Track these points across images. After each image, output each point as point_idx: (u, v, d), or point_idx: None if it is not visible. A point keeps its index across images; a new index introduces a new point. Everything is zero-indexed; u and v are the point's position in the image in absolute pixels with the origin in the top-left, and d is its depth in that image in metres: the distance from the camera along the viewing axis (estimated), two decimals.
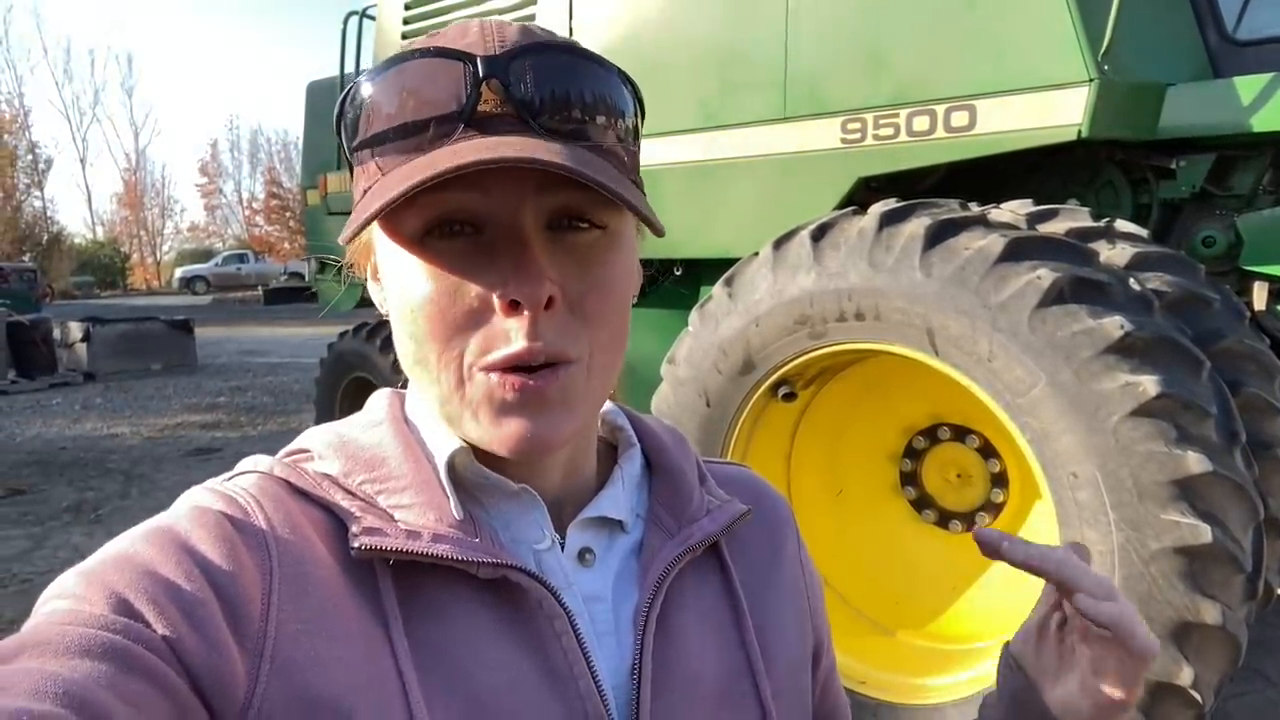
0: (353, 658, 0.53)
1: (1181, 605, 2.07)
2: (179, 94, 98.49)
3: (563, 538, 0.63)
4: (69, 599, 0.49)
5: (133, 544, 0.52)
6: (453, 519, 0.58)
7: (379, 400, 0.67)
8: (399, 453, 0.61)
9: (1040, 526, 2.59)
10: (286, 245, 42.66)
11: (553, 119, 0.55)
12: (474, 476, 0.61)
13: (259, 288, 29.93)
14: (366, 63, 5.47)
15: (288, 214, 42.88)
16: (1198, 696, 2.11)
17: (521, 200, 0.55)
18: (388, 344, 5.39)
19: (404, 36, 4.86)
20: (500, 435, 0.56)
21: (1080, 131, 2.70)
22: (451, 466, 0.60)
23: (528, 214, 0.55)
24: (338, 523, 0.58)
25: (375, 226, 0.59)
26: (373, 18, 5.33)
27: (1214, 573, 2.07)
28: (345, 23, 5.66)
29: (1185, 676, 2.09)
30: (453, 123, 0.54)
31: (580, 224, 0.57)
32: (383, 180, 0.55)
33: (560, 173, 0.52)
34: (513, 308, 0.54)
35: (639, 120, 0.61)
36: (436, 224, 0.55)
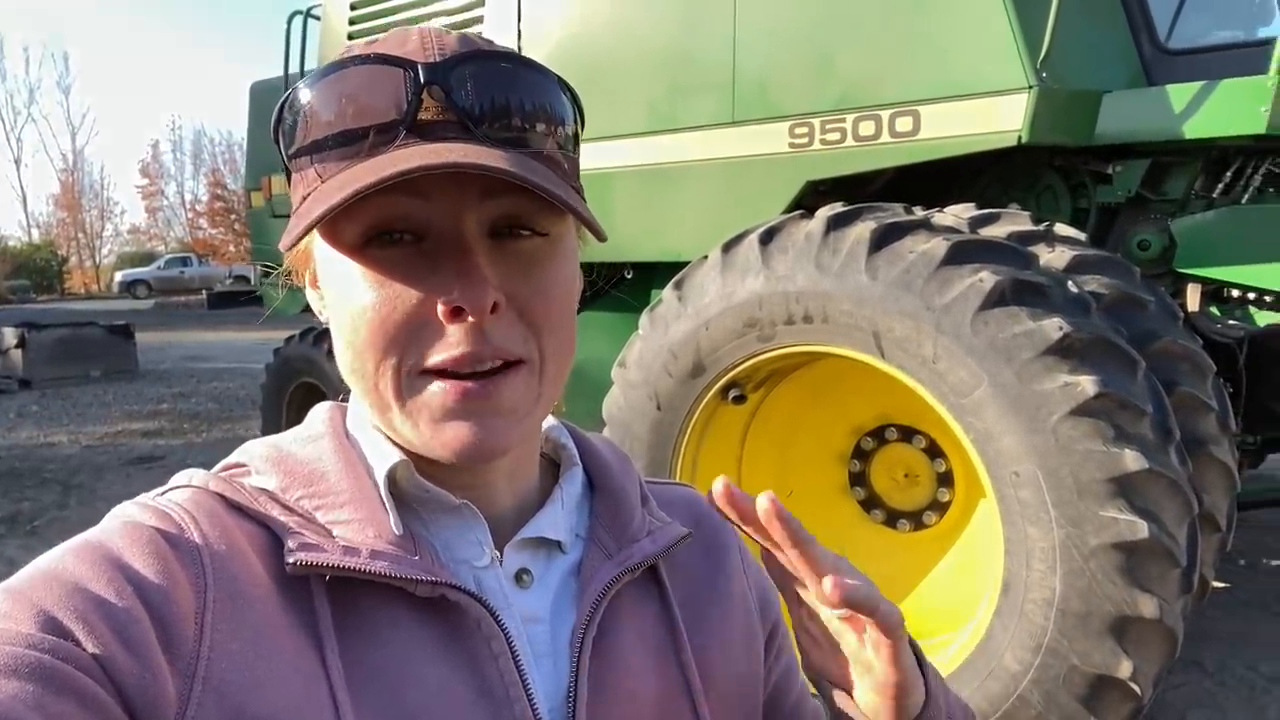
0: (286, 678, 0.52)
1: (1120, 600, 2.13)
2: (118, 93, 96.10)
3: (502, 555, 0.62)
4: None
5: (61, 560, 0.51)
6: (392, 535, 0.57)
7: (319, 413, 0.66)
8: (338, 467, 0.60)
9: (985, 525, 2.64)
10: (231, 248, 41.77)
11: (493, 126, 0.55)
12: (415, 490, 0.60)
13: (203, 292, 29.30)
14: (311, 63, 5.39)
15: (232, 216, 42.00)
16: (1137, 688, 2.16)
17: (464, 207, 0.54)
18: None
19: (350, 37, 4.80)
20: (442, 441, 0.56)
21: (1020, 137, 2.76)
22: (392, 480, 0.59)
23: (470, 221, 0.55)
24: (274, 539, 0.57)
25: (315, 234, 0.58)
26: (318, 18, 5.25)
27: (1151, 567, 2.12)
28: (290, 23, 5.58)
29: (1125, 669, 2.14)
30: (394, 130, 0.54)
31: (523, 231, 0.57)
32: (322, 187, 0.55)
33: (504, 178, 0.52)
34: (455, 314, 0.54)
35: (579, 127, 0.61)
36: (377, 232, 0.55)
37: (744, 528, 0.61)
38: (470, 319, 0.53)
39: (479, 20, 4.14)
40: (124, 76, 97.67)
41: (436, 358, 0.55)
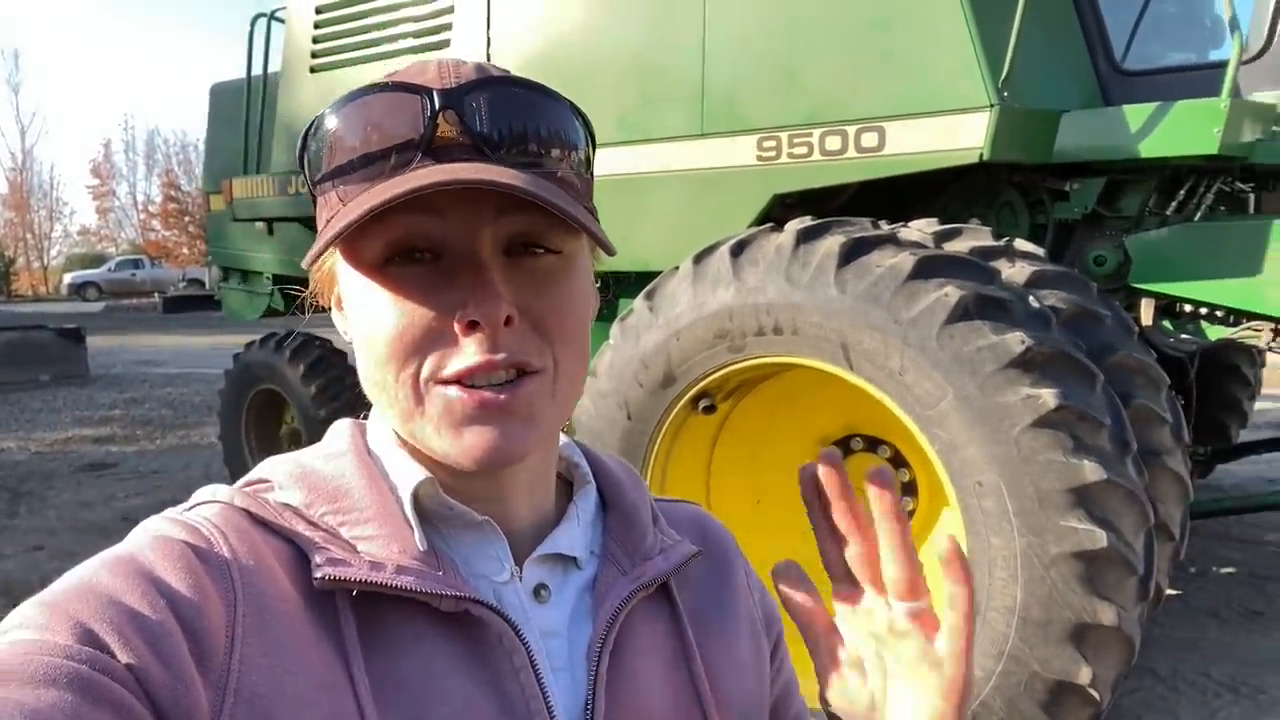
0: (314, 691, 0.53)
1: (1080, 607, 2.18)
2: (70, 92, 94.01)
3: (522, 571, 0.63)
4: (32, 629, 0.48)
5: (95, 574, 0.52)
6: (416, 551, 0.58)
7: (340, 430, 0.67)
8: (362, 484, 0.61)
9: (945, 534, 2.68)
10: (185, 251, 41.02)
11: (508, 150, 0.57)
12: (438, 507, 0.61)
13: (155, 295, 28.73)
14: (275, 65, 5.34)
15: (186, 218, 41.25)
16: (1096, 694, 2.22)
17: (478, 225, 0.56)
18: (297, 354, 5.24)
19: (315, 40, 4.77)
20: (462, 447, 0.57)
21: (982, 154, 2.82)
22: (416, 497, 0.60)
23: (485, 239, 0.57)
24: (299, 554, 0.58)
25: (338, 255, 0.60)
26: (281, 20, 5.21)
27: (1109, 575, 2.18)
28: (253, 25, 5.52)
29: (1084, 675, 2.20)
30: (410, 152, 0.56)
31: (536, 249, 0.58)
32: (343, 209, 0.57)
33: (515, 195, 0.54)
34: (471, 327, 0.55)
35: (590, 150, 0.63)
36: (396, 250, 0.57)
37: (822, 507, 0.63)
38: (485, 332, 0.55)
39: (448, 28, 4.14)
40: (76, 75, 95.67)
41: (453, 367, 0.56)
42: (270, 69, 5.46)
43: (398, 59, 4.33)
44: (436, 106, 0.56)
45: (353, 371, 5.42)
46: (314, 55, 4.78)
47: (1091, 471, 2.16)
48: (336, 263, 0.62)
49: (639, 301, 2.87)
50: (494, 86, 0.58)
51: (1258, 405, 5.43)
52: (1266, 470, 6.00)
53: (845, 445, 2.95)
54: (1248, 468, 5.94)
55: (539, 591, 0.64)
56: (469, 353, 0.56)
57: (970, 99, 2.86)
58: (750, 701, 0.71)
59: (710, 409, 2.82)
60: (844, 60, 3.10)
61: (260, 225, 5.60)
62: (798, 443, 3.04)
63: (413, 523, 0.60)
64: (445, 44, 4.13)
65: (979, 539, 2.31)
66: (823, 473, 0.63)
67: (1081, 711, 2.25)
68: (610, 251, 0.60)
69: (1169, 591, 2.74)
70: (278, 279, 5.87)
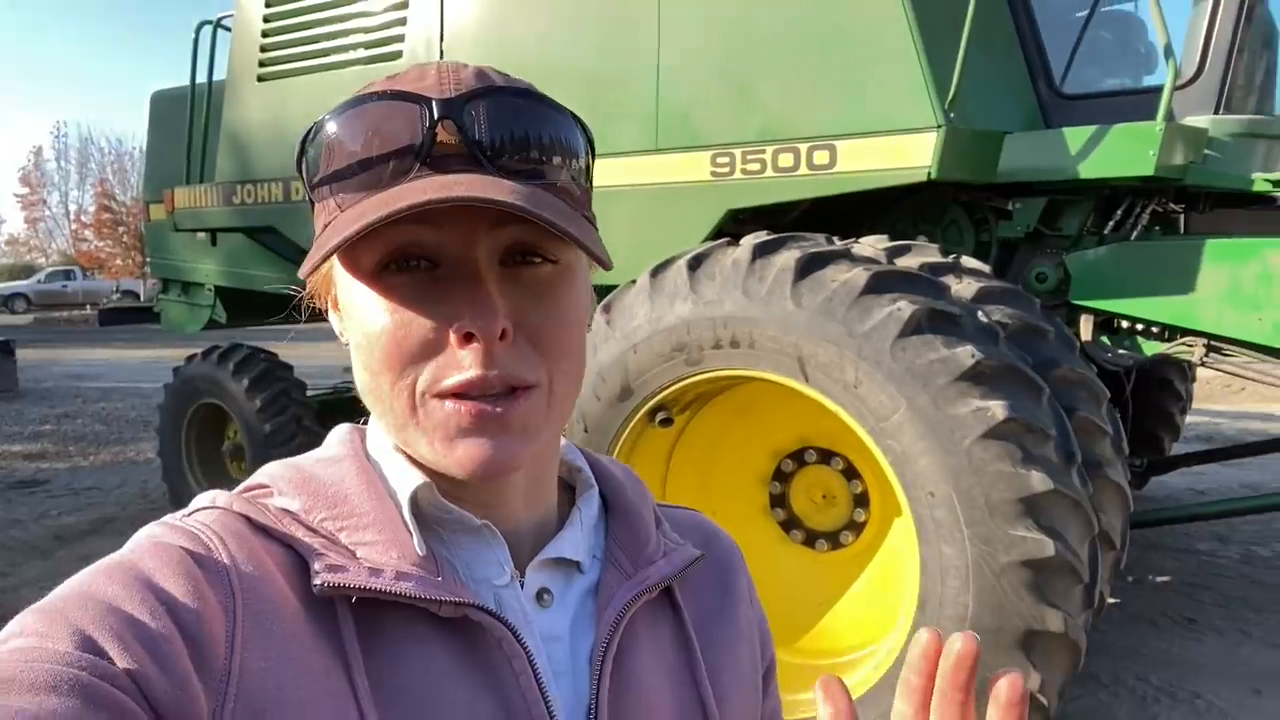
0: (315, 696, 0.53)
1: (1029, 615, 2.23)
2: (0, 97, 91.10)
3: (522, 576, 0.63)
4: (31, 636, 0.48)
5: (94, 581, 0.52)
6: (415, 556, 0.58)
7: (339, 435, 0.67)
8: (361, 489, 0.61)
9: (899, 544, 2.73)
10: (119, 262, 39.85)
11: (506, 159, 0.57)
12: (437, 511, 0.61)
13: (88, 307, 27.87)
14: (220, 73, 5.25)
15: (121, 229, 40.10)
16: (1045, 700, 2.27)
17: (474, 236, 0.56)
18: (241, 368, 5.14)
19: (263, 49, 4.70)
20: (455, 459, 0.57)
21: (930, 173, 2.89)
22: (414, 502, 0.60)
23: (481, 249, 0.57)
24: (298, 559, 0.58)
25: (335, 259, 0.60)
26: (227, 28, 5.12)
27: (1057, 584, 2.24)
28: (198, 32, 5.41)
29: (1033, 681, 2.25)
30: (409, 161, 0.56)
31: (533, 259, 0.58)
32: (341, 216, 0.57)
33: (510, 210, 0.54)
34: (466, 340, 0.55)
35: (590, 159, 0.63)
36: (392, 258, 0.57)
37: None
38: (481, 345, 0.55)
39: (400, 39, 4.11)
40: (7, 79, 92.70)
41: (449, 381, 0.56)
42: (216, 76, 5.37)
43: (349, 69, 4.29)
44: (435, 116, 0.56)
45: (299, 385, 5.33)
46: (261, 64, 4.71)
47: (1039, 482, 2.22)
48: (334, 266, 0.61)
49: (596, 314, 2.87)
50: (493, 95, 0.58)
51: (1187, 419, 5.63)
52: (1196, 482, 6.21)
53: (799, 457, 2.99)
54: (1179, 479, 6.15)
55: (541, 596, 0.64)
56: (465, 366, 0.56)
57: (918, 119, 2.93)
58: (746, 708, 0.72)
59: (667, 422, 2.84)
60: (797, 80, 3.16)
61: (203, 235, 5.48)
62: (752, 456, 3.06)
63: (411, 528, 0.59)
64: (397, 55, 4.11)
65: (931, 549, 2.36)
66: (959, 654, 0.53)
67: (1031, 717, 2.30)
68: (606, 265, 0.60)
69: (1109, 600, 2.82)
70: (220, 290, 5.76)
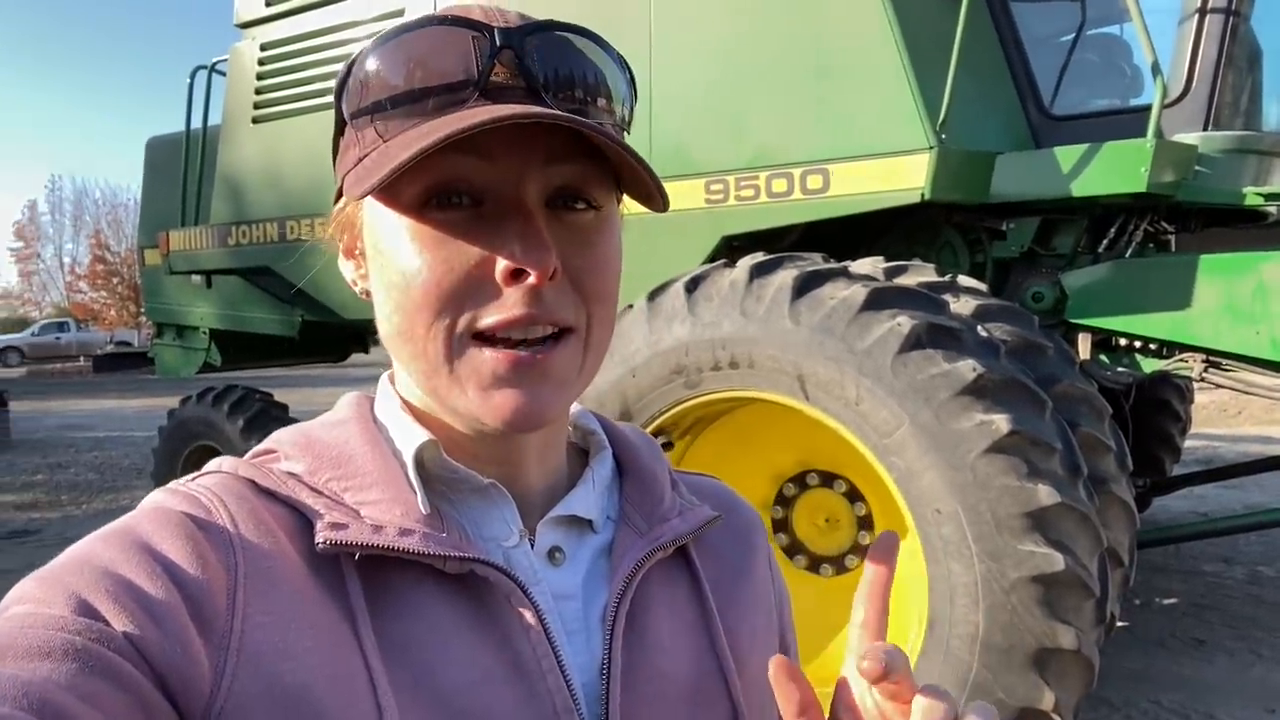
0: (320, 649, 0.52)
1: (1041, 632, 2.20)
2: None
3: (533, 537, 0.62)
4: (28, 603, 0.48)
5: (91, 546, 0.52)
6: (419, 514, 0.57)
7: (346, 400, 0.66)
8: (365, 449, 0.60)
9: (906, 565, 2.70)
10: (113, 312, 39.88)
11: (560, 95, 0.55)
12: (442, 471, 0.60)
13: (81, 358, 27.82)
14: (215, 118, 5.28)
15: (115, 279, 40.18)
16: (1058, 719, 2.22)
17: (526, 171, 0.55)
18: (236, 409, 5.11)
19: (258, 91, 4.74)
20: (490, 408, 0.56)
21: (923, 194, 2.91)
22: (420, 462, 0.59)
23: (531, 186, 0.55)
24: (303, 520, 0.57)
25: (361, 199, 0.58)
26: (222, 73, 5.17)
27: (1068, 599, 2.20)
28: (192, 77, 5.47)
29: (1047, 701, 2.20)
30: (464, 91, 0.54)
31: (577, 204, 0.57)
32: (385, 146, 0.54)
33: (565, 141, 0.54)
34: (515, 276, 0.54)
35: (632, 109, 0.62)
36: (435, 193, 0.55)
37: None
38: (529, 282, 0.54)
39: None
40: (1, 134, 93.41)
41: (490, 319, 0.54)
42: (211, 121, 5.40)
43: None
44: (496, 45, 0.54)
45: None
46: (256, 106, 4.75)
47: (1046, 495, 2.20)
48: (361, 207, 0.60)
49: None
50: (550, 30, 0.57)
51: (1186, 444, 5.61)
52: (1198, 504, 6.18)
53: (801, 481, 2.96)
54: (1181, 501, 6.12)
55: (553, 554, 0.62)
56: (510, 303, 0.54)
57: (911, 141, 2.95)
58: (765, 668, 0.70)
59: (667, 446, 2.81)
60: (788, 106, 3.18)
61: (198, 279, 5.49)
62: (753, 481, 3.03)
63: (416, 486, 0.58)
64: None
65: (939, 567, 2.32)
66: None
67: None
68: (666, 203, 0.59)
69: (1118, 623, 2.79)
70: (214, 333, 5.75)
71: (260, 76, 4.74)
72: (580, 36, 0.58)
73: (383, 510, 0.57)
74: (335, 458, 0.60)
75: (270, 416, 5.16)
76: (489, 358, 0.55)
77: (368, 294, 0.61)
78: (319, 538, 0.55)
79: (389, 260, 0.57)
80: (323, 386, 13.41)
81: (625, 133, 0.61)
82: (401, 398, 0.63)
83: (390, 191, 0.55)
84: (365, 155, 0.56)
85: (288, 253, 4.58)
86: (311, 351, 6.10)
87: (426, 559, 0.56)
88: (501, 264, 0.54)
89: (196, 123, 5.45)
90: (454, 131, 0.50)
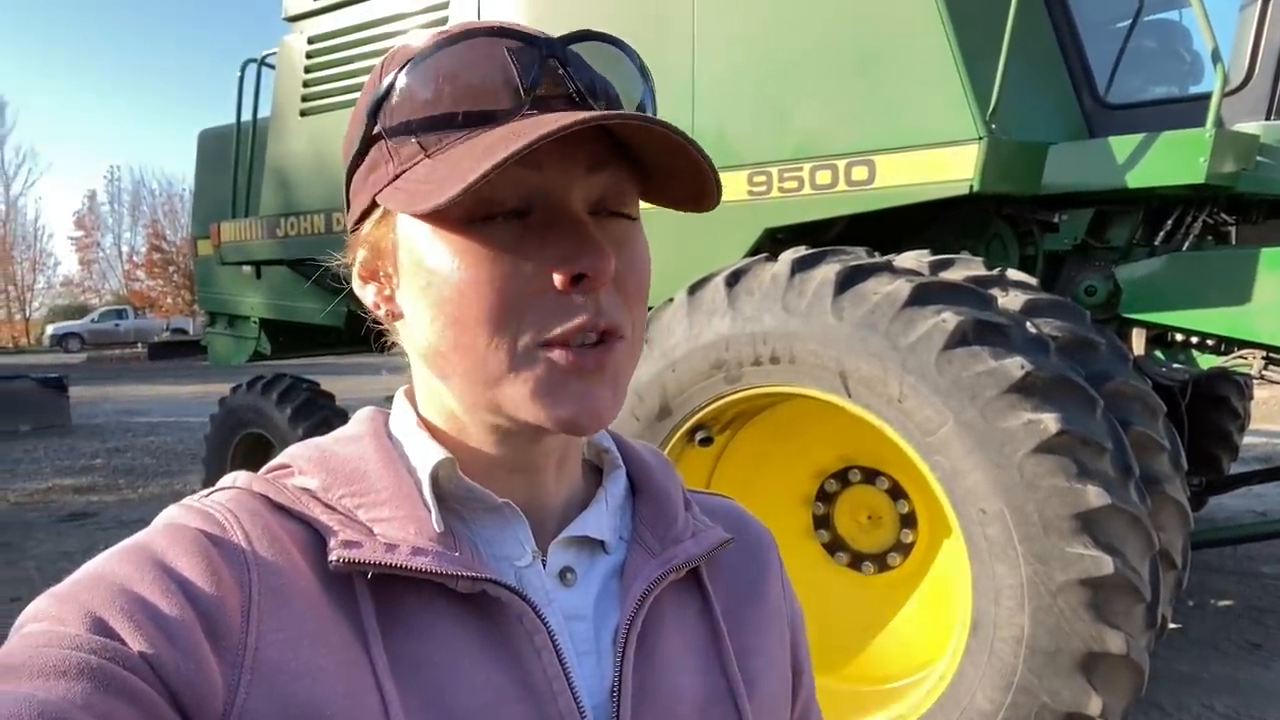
0: (333, 668, 0.53)
1: (1088, 635, 2.14)
2: (57, 143, 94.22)
3: (545, 556, 0.62)
4: (44, 621, 0.49)
5: (106, 564, 0.52)
6: (432, 532, 0.57)
7: (361, 415, 0.66)
8: (379, 466, 0.60)
9: (949, 565, 2.65)
10: (169, 301, 40.86)
11: (601, 101, 0.57)
12: (457, 489, 0.60)
13: (139, 345, 28.53)
14: (265, 110, 5.37)
15: (171, 268, 41.17)
16: None
17: (571, 180, 0.55)
18: (285, 397, 5.19)
19: (305, 84, 4.79)
20: (556, 414, 0.56)
21: (972, 186, 2.84)
22: (435, 479, 0.59)
23: (577, 194, 0.56)
24: (317, 537, 0.57)
25: (396, 218, 0.58)
26: (271, 66, 5.25)
27: (1117, 603, 2.15)
28: (243, 70, 5.55)
29: (1094, 706, 2.15)
30: (517, 102, 0.54)
31: (622, 209, 0.58)
32: (432, 161, 0.54)
33: (609, 150, 0.55)
34: (574, 282, 0.54)
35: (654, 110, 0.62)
36: (486, 205, 0.55)
37: None
38: (590, 288, 0.54)
39: None
40: (64, 126, 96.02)
41: (556, 329, 0.55)
42: (261, 113, 5.49)
43: None
44: (543, 55, 0.55)
45: (341, 415, 5.37)
46: (304, 99, 4.81)
47: (1096, 496, 2.14)
48: (394, 226, 0.59)
49: None
50: (591, 40, 0.58)
51: (1245, 440, 5.45)
52: (1257, 504, 6.00)
53: (843, 477, 2.92)
54: (1239, 500, 5.95)
55: (565, 575, 0.62)
56: (572, 310, 0.54)
57: (959, 132, 2.88)
58: (777, 697, 0.69)
59: (707, 441, 2.80)
60: (832, 96, 3.13)
61: (248, 269, 5.59)
62: (794, 476, 3.01)
63: (430, 504, 0.58)
64: None
65: (983, 567, 2.28)
66: None
67: None
68: (717, 199, 0.59)
69: (1170, 625, 2.71)
70: (264, 323, 5.85)
71: (308, 69, 4.80)
72: (611, 45, 0.59)
73: (396, 528, 0.57)
74: (349, 474, 0.60)
75: (317, 405, 5.23)
76: (552, 363, 0.55)
77: (393, 316, 0.61)
78: (332, 556, 0.55)
79: (439, 276, 0.56)
80: (368, 375, 13.60)
81: None
82: (419, 415, 0.63)
83: (437, 209, 0.55)
84: (404, 170, 0.56)
85: (334, 244, 4.60)
86: (358, 341, 6.19)
87: (439, 578, 0.56)
88: (561, 271, 0.54)
89: (247, 115, 5.56)
90: (536, 138, 0.49)
